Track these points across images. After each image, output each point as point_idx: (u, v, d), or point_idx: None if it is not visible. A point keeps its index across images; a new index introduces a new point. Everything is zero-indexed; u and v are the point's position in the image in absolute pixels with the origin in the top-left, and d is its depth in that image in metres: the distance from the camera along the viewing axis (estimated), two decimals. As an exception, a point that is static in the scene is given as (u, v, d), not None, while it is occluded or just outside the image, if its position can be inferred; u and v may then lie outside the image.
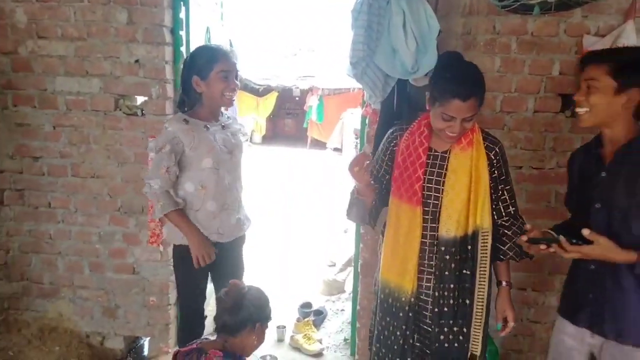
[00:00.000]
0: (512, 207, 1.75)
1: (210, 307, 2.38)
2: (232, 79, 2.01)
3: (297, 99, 14.25)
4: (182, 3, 2.58)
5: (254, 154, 11.48)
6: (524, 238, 1.51)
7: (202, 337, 2.09)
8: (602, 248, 1.39)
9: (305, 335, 3.05)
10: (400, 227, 1.75)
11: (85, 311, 2.84)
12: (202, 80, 1.98)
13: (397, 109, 2.19)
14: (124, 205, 2.71)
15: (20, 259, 2.83)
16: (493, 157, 1.72)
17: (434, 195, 1.72)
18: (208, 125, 2.04)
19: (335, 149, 12.52)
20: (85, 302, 2.84)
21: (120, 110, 2.62)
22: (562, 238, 1.41)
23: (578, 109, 1.50)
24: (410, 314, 1.75)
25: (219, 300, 1.65)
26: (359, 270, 2.72)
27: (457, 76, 1.57)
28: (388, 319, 1.80)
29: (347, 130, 11.03)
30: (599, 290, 1.55)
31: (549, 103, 2.41)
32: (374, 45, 1.92)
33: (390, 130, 1.86)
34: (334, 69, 11.47)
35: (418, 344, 1.78)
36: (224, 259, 2.14)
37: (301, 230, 5.71)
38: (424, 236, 1.73)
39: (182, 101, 2.07)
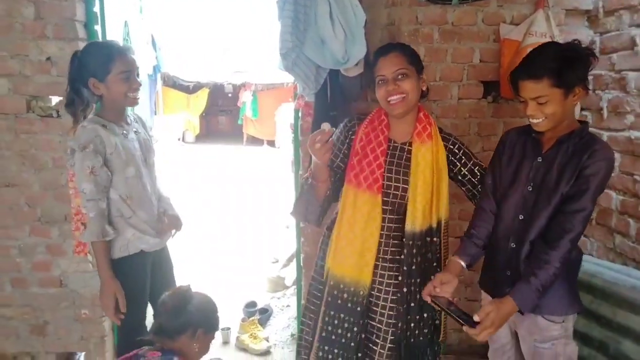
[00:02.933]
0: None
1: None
2: (134, 78, 1.88)
3: (229, 95, 13.97)
4: (96, -4, 2.43)
5: (188, 154, 11.17)
6: (428, 299, 1.58)
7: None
8: (488, 322, 1.44)
9: (252, 334, 3.01)
10: (358, 217, 1.72)
11: (9, 331, 2.63)
12: (100, 82, 1.83)
13: (330, 100, 2.20)
14: (44, 214, 2.52)
15: None
16: (452, 146, 1.77)
17: (395, 186, 1.72)
18: (125, 132, 1.92)
19: (269, 142, 12.48)
20: (8, 321, 2.62)
21: (33, 112, 2.43)
22: (476, 317, 1.46)
23: (533, 120, 1.52)
24: (366, 307, 1.74)
25: (161, 302, 1.58)
26: (301, 264, 2.71)
27: (382, 46, 1.77)
28: (342, 315, 1.76)
29: (282, 126, 10.98)
30: (515, 268, 1.61)
31: (471, 90, 2.51)
32: (302, 37, 1.91)
33: (347, 119, 1.85)
34: (266, 64, 11.36)
35: (365, 341, 1.78)
36: (161, 266, 2.08)
37: (242, 228, 5.63)
38: (385, 228, 1.73)
39: (72, 101, 1.87)
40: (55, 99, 2.43)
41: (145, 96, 3.80)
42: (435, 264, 1.76)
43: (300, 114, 2.52)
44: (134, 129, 2.00)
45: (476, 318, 1.44)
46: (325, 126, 1.66)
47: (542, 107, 1.47)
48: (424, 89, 1.74)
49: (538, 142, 1.60)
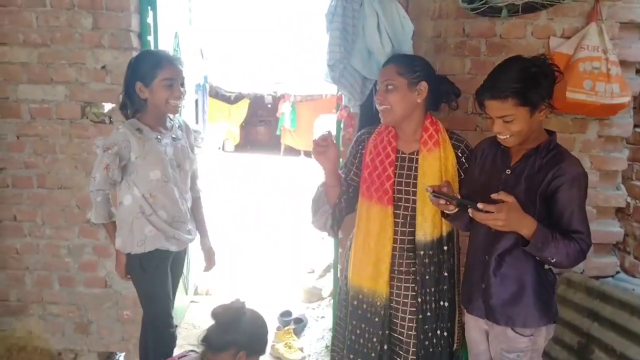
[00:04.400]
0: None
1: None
2: (177, 87, 1.96)
3: (269, 106, 14.20)
4: (149, 7, 2.53)
5: (228, 163, 11.37)
6: (429, 189, 1.52)
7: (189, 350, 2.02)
8: (505, 207, 1.38)
9: (286, 344, 3.01)
10: (371, 228, 1.75)
11: (56, 328, 2.74)
12: (146, 87, 1.94)
13: (376, 112, 2.19)
14: (93, 216, 2.62)
15: (-16, 275, 2.70)
16: (461, 154, 1.75)
17: (405, 197, 1.72)
18: (159, 137, 2.00)
19: (306, 153, 12.54)
20: (55, 318, 2.73)
21: (87, 118, 2.54)
22: (480, 205, 1.40)
23: (500, 137, 1.54)
24: (386, 318, 1.74)
25: (213, 313, 1.58)
26: (338, 275, 2.70)
27: None
28: (363, 325, 1.78)
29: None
30: (491, 280, 1.61)
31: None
32: (350, 48, 1.92)
33: (359, 133, 1.89)
34: (305, 75, 11.49)
35: (389, 352, 1.77)
36: (176, 266, 2.17)
37: (279, 238, 5.66)
38: (398, 241, 1.73)
39: (125, 104, 2.01)
40: (108, 106, 2.54)
41: (192, 105, 3.91)
42: (446, 274, 1.74)
43: (342, 125, 2.52)
44: (173, 135, 2.08)
45: (480, 206, 1.38)
46: (326, 132, 1.72)
47: (509, 125, 1.48)
48: (419, 100, 1.71)
49: (507, 155, 1.62)
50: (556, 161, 1.52)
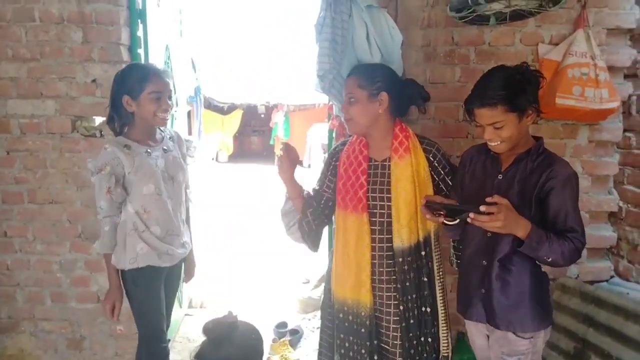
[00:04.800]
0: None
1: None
2: (165, 100, 1.96)
3: (262, 116, 14.21)
4: (139, 21, 2.53)
5: (221, 173, 11.35)
6: (423, 201, 1.54)
7: None
8: (504, 208, 1.41)
9: (282, 356, 2.98)
10: (348, 238, 1.76)
11: (48, 345, 2.70)
12: (133, 100, 1.92)
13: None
14: (85, 230, 2.60)
15: (-26, 293, 2.67)
16: (432, 159, 1.77)
17: (380, 204, 1.74)
18: (149, 150, 1.98)
19: (300, 162, 12.51)
20: (48, 335, 2.70)
21: (77, 132, 2.53)
22: (482, 207, 1.41)
23: (491, 144, 1.58)
24: (372, 328, 1.74)
25: (206, 328, 1.56)
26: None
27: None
28: (351, 338, 1.77)
29: (314, 146, 11.05)
30: (491, 285, 1.63)
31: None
32: (340, 58, 1.92)
33: (334, 146, 1.93)
34: (298, 85, 11.52)
35: None
36: (172, 280, 2.15)
37: (273, 248, 5.63)
38: (377, 249, 1.74)
39: (112, 118, 1.99)
40: (98, 119, 2.53)
41: (184, 117, 3.90)
42: (425, 279, 1.74)
43: (334, 134, 2.53)
44: (164, 147, 2.06)
45: (482, 208, 1.41)
46: (283, 145, 1.80)
47: (499, 131, 1.52)
48: (381, 111, 1.73)
49: (497, 160, 1.65)
50: (547, 164, 1.56)
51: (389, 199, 1.72)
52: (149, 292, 2.01)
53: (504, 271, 1.61)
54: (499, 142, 1.55)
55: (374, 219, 1.74)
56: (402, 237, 1.70)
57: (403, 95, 1.78)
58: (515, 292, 1.61)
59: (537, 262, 1.57)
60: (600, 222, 2.49)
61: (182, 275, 2.33)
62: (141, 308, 2.04)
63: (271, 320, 3.45)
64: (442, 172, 1.78)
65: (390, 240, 1.72)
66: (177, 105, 3.11)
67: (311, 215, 1.88)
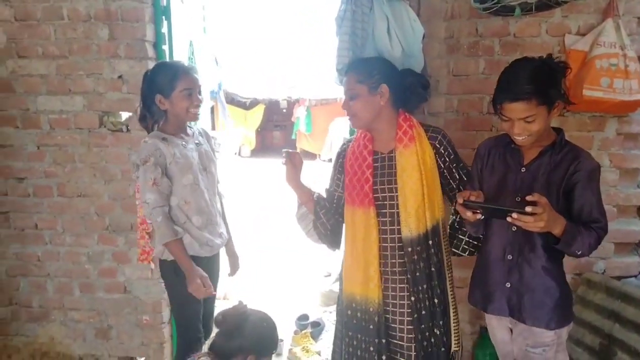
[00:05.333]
0: None
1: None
2: (195, 95, 2.02)
3: (284, 110, 14.25)
4: (163, 17, 2.57)
5: (244, 168, 11.43)
6: (460, 200, 1.49)
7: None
8: (547, 207, 1.38)
9: (304, 347, 3.01)
10: (356, 233, 1.76)
11: (77, 333, 2.79)
12: (166, 98, 1.98)
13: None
14: (112, 223, 2.67)
15: (7, 282, 2.77)
16: (439, 146, 1.75)
17: (389, 196, 1.73)
18: (184, 143, 2.05)
19: (329, 160, 12.51)
20: (77, 324, 2.78)
21: (104, 127, 2.59)
22: (528, 208, 1.38)
23: (519, 138, 1.54)
24: (380, 325, 1.73)
25: (217, 319, 1.57)
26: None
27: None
28: (359, 335, 1.77)
29: (335, 140, 11.03)
30: (517, 279, 1.62)
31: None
32: (359, 52, 1.91)
33: (341, 144, 1.94)
34: (320, 79, 11.50)
35: None
36: (211, 272, 2.16)
37: (295, 241, 5.67)
38: (388, 240, 1.74)
39: (144, 116, 2.05)
40: (125, 115, 2.58)
41: (207, 112, 3.95)
42: (433, 269, 1.73)
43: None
44: (196, 141, 2.13)
45: (528, 209, 1.36)
46: (284, 153, 1.84)
47: (529, 125, 1.49)
48: (382, 103, 1.72)
49: (519, 153, 1.63)
50: (573, 156, 1.55)
51: (396, 190, 1.72)
52: (186, 284, 2.02)
53: (530, 266, 1.60)
54: (526, 136, 1.53)
55: (383, 211, 1.74)
56: (410, 226, 1.69)
57: (403, 85, 1.76)
58: (542, 287, 1.60)
59: (559, 253, 1.57)
60: (629, 216, 2.43)
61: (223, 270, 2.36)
62: (181, 298, 2.08)
63: (293, 313, 3.49)
64: (448, 160, 1.76)
65: (399, 231, 1.72)
66: (201, 100, 3.14)
67: (324, 216, 1.90)
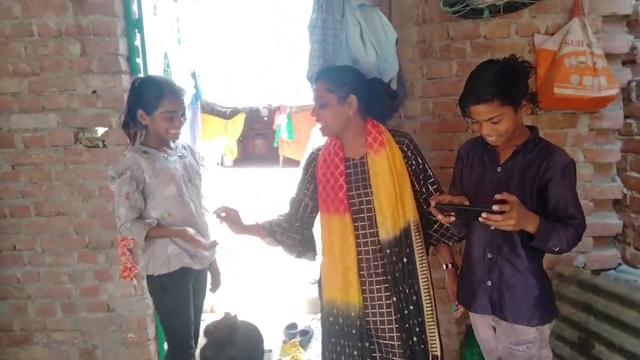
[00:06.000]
0: (437, 193, 1.80)
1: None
2: (178, 118, 2.01)
3: (265, 119, 14.24)
4: (136, 30, 2.55)
5: (226, 178, 11.37)
6: (432, 203, 1.53)
7: None
8: (515, 205, 1.40)
9: (293, 357, 2.99)
10: (333, 240, 1.78)
11: (61, 355, 2.73)
12: (147, 114, 1.98)
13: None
14: (92, 241, 2.63)
15: (-14, 306, 2.70)
16: (406, 149, 1.79)
17: (364, 200, 1.76)
18: (166, 156, 2.04)
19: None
20: (60, 345, 2.73)
21: (80, 143, 2.56)
22: (495, 207, 1.40)
23: (489, 138, 1.58)
24: (363, 329, 1.75)
25: (207, 330, 1.55)
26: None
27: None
28: (342, 341, 1.79)
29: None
30: (497, 277, 1.65)
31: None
32: (332, 59, 1.93)
33: (310, 152, 1.95)
34: (299, 86, 11.52)
35: None
36: (199, 285, 2.16)
37: (280, 249, 5.64)
38: (365, 244, 1.75)
39: (127, 123, 2.04)
40: (100, 130, 2.55)
41: (186, 125, 3.94)
42: (411, 267, 1.76)
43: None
44: (179, 153, 2.12)
45: (495, 208, 1.38)
46: (219, 211, 1.90)
47: (496, 125, 1.52)
48: (351, 113, 1.75)
49: (494, 153, 1.67)
50: (546, 154, 1.57)
51: (370, 194, 1.74)
52: (178, 296, 2.03)
53: (509, 264, 1.63)
54: (496, 136, 1.56)
55: (360, 215, 1.76)
56: (387, 229, 1.72)
57: (371, 95, 1.80)
58: (522, 284, 1.62)
59: (538, 251, 1.58)
60: (605, 210, 2.48)
61: (208, 285, 2.34)
62: (169, 315, 2.07)
63: (281, 322, 3.47)
64: (414, 163, 1.80)
65: (375, 235, 1.75)
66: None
67: (287, 238, 1.96)
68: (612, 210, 2.50)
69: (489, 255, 1.66)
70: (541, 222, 1.46)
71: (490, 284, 1.67)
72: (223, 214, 1.91)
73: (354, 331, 1.75)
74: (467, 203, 1.52)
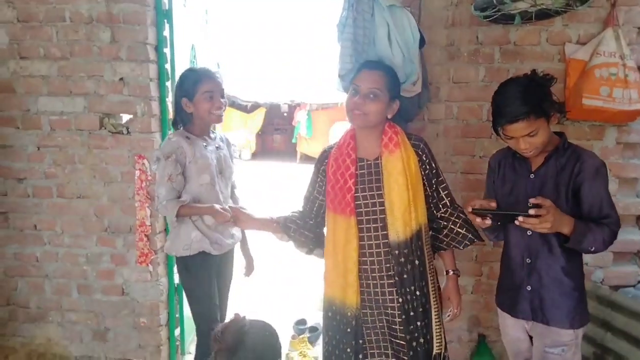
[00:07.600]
0: (448, 198, 1.82)
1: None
2: (217, 98, 2.13)
3: (285, 114, 14.27)
4: (165, 21, 2.58)
5: (244, 171, 11.44)
6: (469, 208, 1.58)
7: None
8: (551, 209, 1.44)
9: (301, 352, 3.00)
10: (337, 240, 1.77)
11: (74, 335, 2.78)
12: (190, 101, 2.10)
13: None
14: (111, 225, 2.67)
15: (5, 283, 2.77)
16: (421, 153, 1.77)
17: (371, 202, 1.74)
18: (205, 144, 2.15)
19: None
20: (74, 325, 2.78)
21: (105, 129, 2.60)
22: (531, 211, 1.45)
23: (526, 152, 1.61)
24: (358, 328, 1.75)
25: (215, 336, 1.48)
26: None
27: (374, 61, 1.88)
28: (337, 336, 1.80)
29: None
30: (537, 281, 1.68)
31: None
32: (362, 58, 1.92)
33: (322, 151, 1.93)
34: (321, 84, 11.54)
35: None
36: (223, 269, 2.27)
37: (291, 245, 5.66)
38: (372, 246, 1.74)
39: (176, 121, 2.19)
40: (125, 117, 2.59)
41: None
42: (422, 269, 1.75)
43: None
44: (217, 145, 2.23)
45: (531, 211, 1.44)
46: (225, 211, 1.94)
47: (533, 139, 1.56)
48: (389, 116, 1.75)
49: (525, 161, 1.70)
50: (576, 157, 1.61)
51: (381, 195, 1.72)
52: (200, 278, 2.15)
53: (549, 268, 1.65)
54: (534, 149, 1.59)
55: (367, 217, 1.74)
56: (398, 230, 1.70)
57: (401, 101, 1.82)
58: (562, 287, 1.64)
59: (576, 253, 1.62)
60: (628, 226, 2.43)
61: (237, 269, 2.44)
62: (193, 294, 2.18)
63: (291, 317, 3.48)
64: (428, 168, 1.79)
65: (385, 237, 1.72)
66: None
67: (300, 235, 1.94)
68: (635, 226, 2.44)
69: (528, 260, 1.69)
70: (576, 223, 1.50)
71: (530, 289, 1.69)
72: (231, 221, 1.99)
73: (348, 330, 1.76)
74: (494, 205, 1.57)
